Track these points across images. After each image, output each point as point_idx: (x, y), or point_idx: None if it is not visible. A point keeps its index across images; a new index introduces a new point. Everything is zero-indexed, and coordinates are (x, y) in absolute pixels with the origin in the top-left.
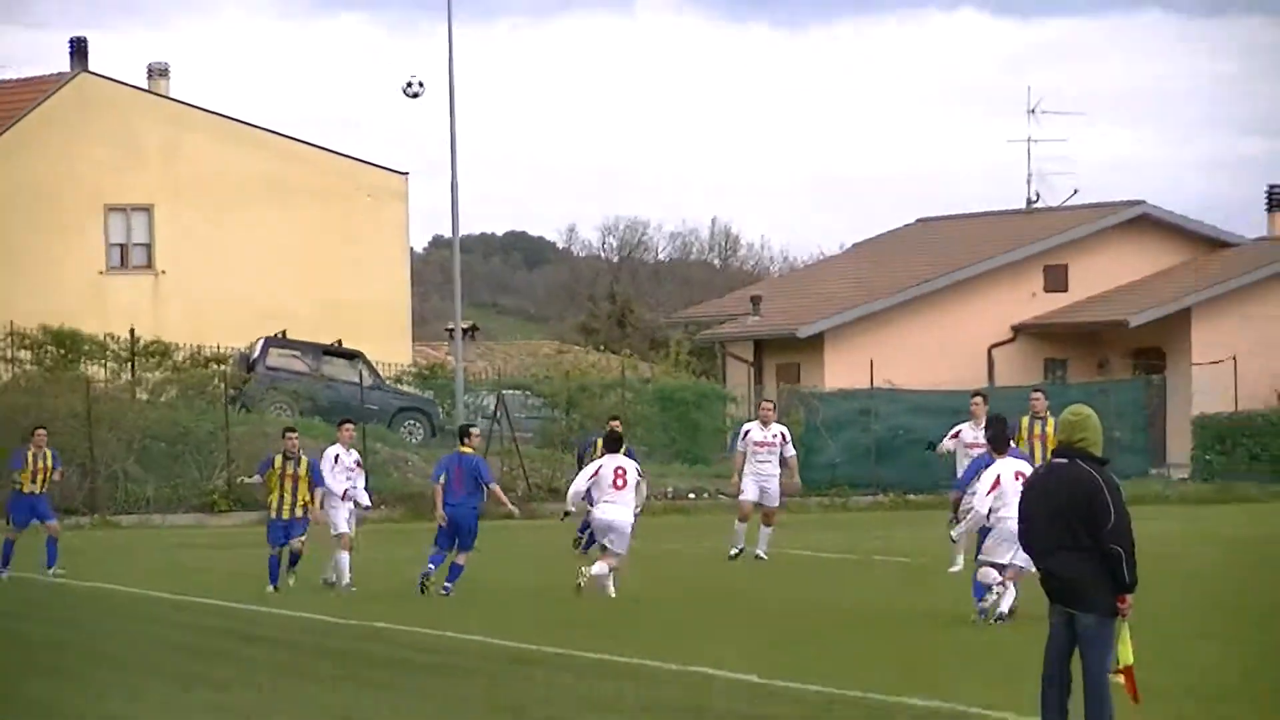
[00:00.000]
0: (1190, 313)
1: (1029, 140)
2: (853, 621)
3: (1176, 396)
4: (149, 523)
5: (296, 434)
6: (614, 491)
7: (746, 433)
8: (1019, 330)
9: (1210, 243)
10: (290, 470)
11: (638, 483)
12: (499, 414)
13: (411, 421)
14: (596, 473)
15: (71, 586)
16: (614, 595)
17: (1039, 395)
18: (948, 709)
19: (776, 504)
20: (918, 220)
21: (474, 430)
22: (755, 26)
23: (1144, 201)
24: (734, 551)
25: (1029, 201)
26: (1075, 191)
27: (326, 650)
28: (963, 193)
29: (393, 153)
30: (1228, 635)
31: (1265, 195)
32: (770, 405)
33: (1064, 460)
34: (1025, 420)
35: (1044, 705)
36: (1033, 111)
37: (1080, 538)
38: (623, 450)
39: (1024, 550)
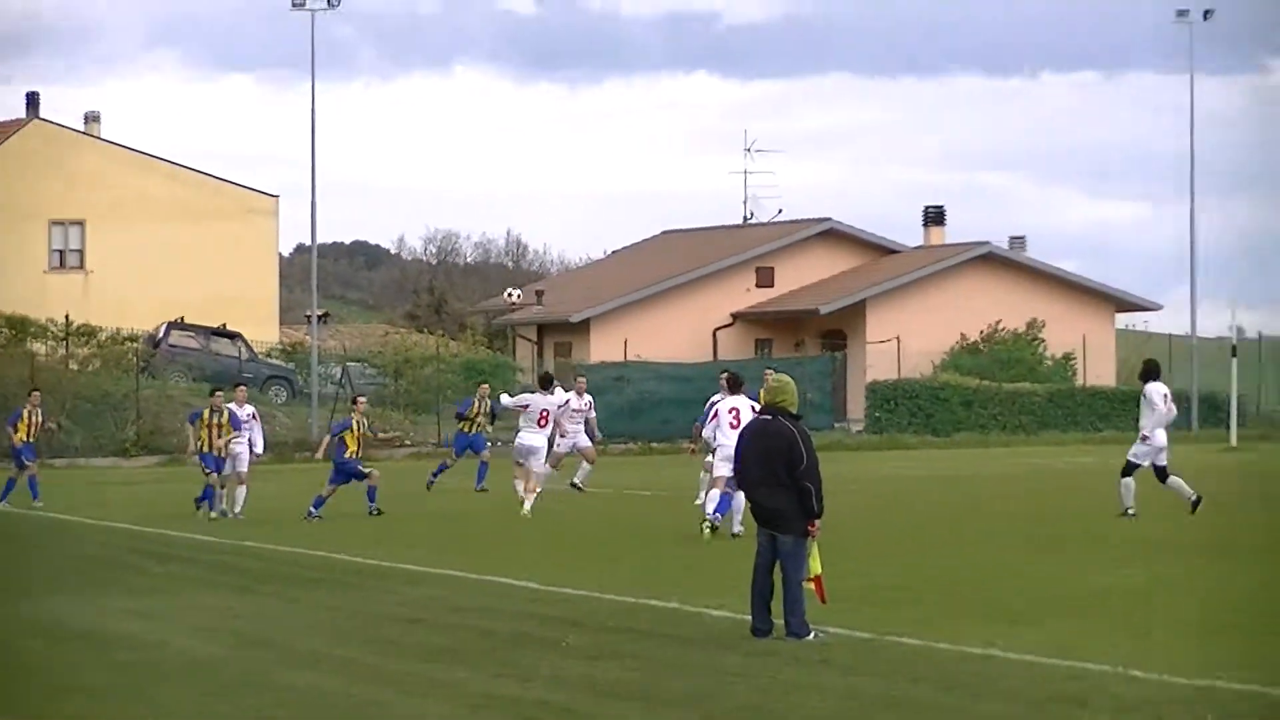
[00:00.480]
0: (865, 304)
1: (745, 171)
2: (610, 539)
3: (855, 368)
4: (76, 464)
5: (220, 394)
6: (536, 427)
7: (566, 401)
8: (737, 317)
9: (881, 249)
10: (215, 420)
11: (559, 415)
12: (344, 380)
13: (277, 387)
14: (527, 407)
15: (14, 515)
16: (529, 514)
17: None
18: (678, 609)
19: (591, 446)
20: (662, 232)
21: (359, 399)
22: (541, 85)
23: (831, 218)
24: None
25: (745, 218)
26: (780, 210)
27: (218, 565)
28: (697, 210)
29: (267, 179)
30: (898, 552)
31: (922, 214)
32: (583, 380)
33: (769, 416)
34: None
35: (754, 605)
36: (748, 150)
37: (781, 476)
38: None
39: (739, 486)
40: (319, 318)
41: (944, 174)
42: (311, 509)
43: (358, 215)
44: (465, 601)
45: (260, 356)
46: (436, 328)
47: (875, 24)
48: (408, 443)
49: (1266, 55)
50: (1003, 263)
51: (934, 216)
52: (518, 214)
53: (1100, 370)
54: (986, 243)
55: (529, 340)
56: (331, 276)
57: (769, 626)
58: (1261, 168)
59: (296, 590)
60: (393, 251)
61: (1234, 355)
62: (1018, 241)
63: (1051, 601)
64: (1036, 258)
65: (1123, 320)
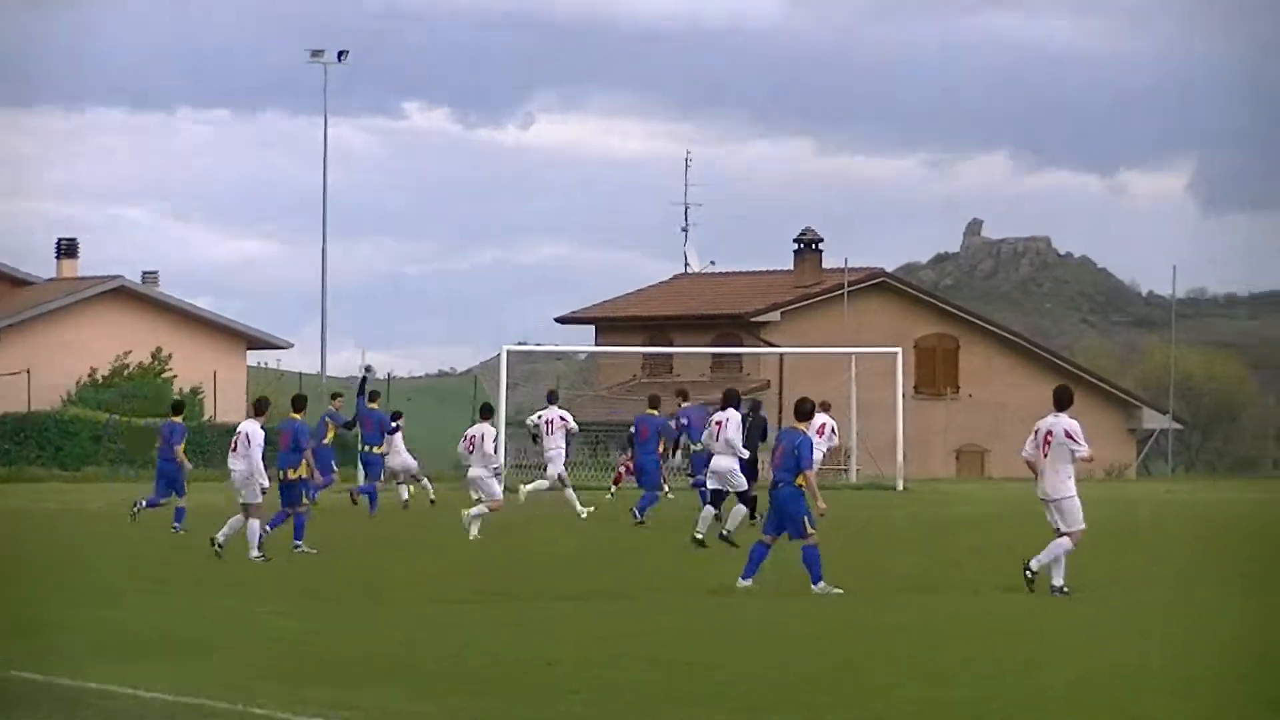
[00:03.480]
0: (2, 334)
1: None
2: None
3: None
4: None
5: None
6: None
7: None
8: None
9: (13, 281)
10: None
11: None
12: None
13: None
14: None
15: None
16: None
17: None
18: None
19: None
20: None
21: None
22: None
23: None
24: None
25: None
26: None
27: None
28: None
29: None
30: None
31: (56, 246)
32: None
33: None
34: None
35: None
36: None
37: None
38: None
39: None
40: None
41: (80, 207)
42: None
43: None
44: None
45: None
46: None
47: (10, 54)
48: None
49: (401, 99)
50: (135, 297)
51: (67, 249)
52: None
53: (231, 407)
54: (119, 276)
55: None
56: None
57: None
58: (393, 209)
59: None
60: None
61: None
62: (151, 276)
63: (163, 638)
64: (169, 293)
65: (254, 357)
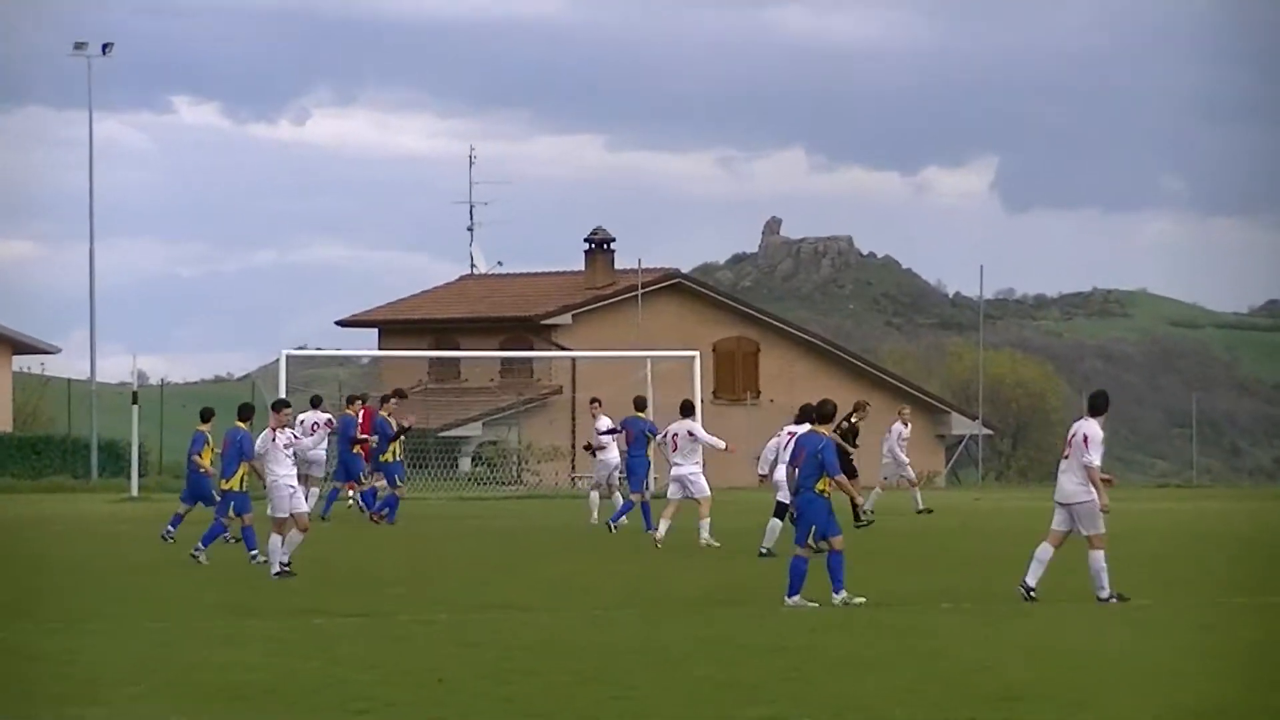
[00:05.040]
0: None
1: None
2: None
3: None
4: None
5: None
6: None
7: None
8: None
9: None
10: None
11: None
12: None
13: None
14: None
15: None
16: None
17: None
18: None
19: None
20: None
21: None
22: None
23: None
24: None
25: None
26: None
27: None
28: None
29: None
30: None
31: None
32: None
33: None
34: None
35: None
36: None
37: None
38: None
39: None
40: None
41: None
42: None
43: None
44: None
45: None
46: None
47: None
48: None
49: (169, 93)
50: None
51: None
52: None
53: None
54: None
55: None
56: None
57: None
58: (163, 208)
59: None
60: None
61: (135, 402)
62: None
63: None
64: None
65: (20, 362)
